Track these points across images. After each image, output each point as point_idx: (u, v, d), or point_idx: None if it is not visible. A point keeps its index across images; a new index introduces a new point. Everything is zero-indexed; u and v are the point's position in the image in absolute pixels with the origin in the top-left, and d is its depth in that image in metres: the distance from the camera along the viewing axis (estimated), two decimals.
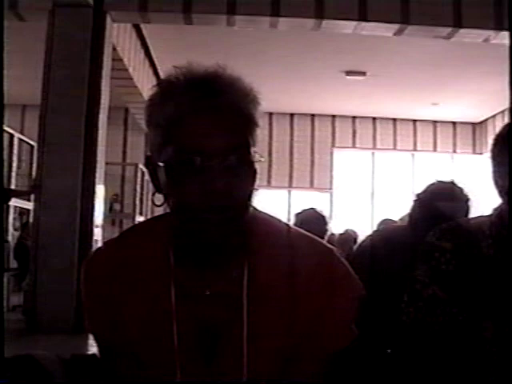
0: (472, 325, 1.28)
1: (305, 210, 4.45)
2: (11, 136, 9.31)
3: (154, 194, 1.15)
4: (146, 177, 11.80)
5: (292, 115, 13.74)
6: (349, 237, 6.32)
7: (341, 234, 6.58)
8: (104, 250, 1.28)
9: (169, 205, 1.12)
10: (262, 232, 1.18)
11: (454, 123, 14.06)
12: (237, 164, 1.06)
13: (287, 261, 1.15)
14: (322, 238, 4.13)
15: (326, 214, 4.49)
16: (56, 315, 6.25)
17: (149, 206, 12.38)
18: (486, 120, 13.57)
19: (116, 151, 12.32)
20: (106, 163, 7.37)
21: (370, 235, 3.47)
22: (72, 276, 6.14)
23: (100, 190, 6.88)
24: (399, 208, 9.08)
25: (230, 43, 8.84)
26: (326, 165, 13.85)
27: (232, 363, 1.10)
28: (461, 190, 2.82)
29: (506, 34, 6.87)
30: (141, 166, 11.40)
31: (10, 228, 9.40)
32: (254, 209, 1.18)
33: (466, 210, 2.75)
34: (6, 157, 8.82)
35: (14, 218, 9.91)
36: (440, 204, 2.68)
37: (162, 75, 10.35)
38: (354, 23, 6.99)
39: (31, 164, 9.85)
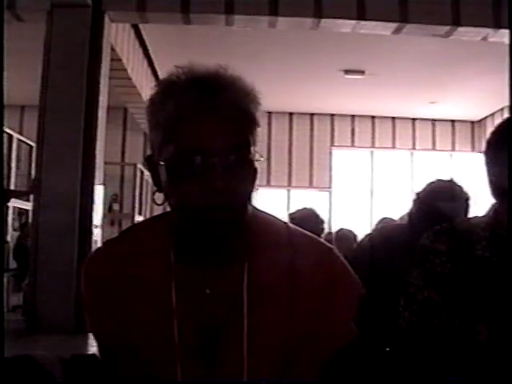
0: (467, 328, 1.27)
1: (299, 210, 4.45)
2: (10, 136, 9.30)
3: (154, 193, 1.15)
4: (145, 177, 11.81)
5: (291, 114, 13.73)
6: (343, 236, 6.30)
7: (336, 233, 6.57)
8: (103, 250, 1.28)
9: (169, 204, 1.12)
10: (262, 231, 1.19)
11: (452, 121, 14.06)
12: (237, 163, 1.06)
13: (287, 260, 1.16)
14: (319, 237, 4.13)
15: (320, 212, 4.49)
16: (56, 315, 6.25)
17: (148, 206, 12.39)
18: (485, 118, 13.57)
19: (115, 151, 12.31)
20: (105, 163, 7.37)
21: (369, 234, 3.48)
22: (71, 276, 6.14)
23: (99, 190, 6.88)
24: (398, 207, 9.09)
25: (229, 43, 8.84)
26: (325, 164, 13.84)
27: (232, 362, 1.11)
28: (460, 188, 2.82)
29: (504, 32, 6.88)
30: (140, 165, 11.40)
31: (9, 228, 9.39)
32: (254, 208, 1.18)
33: (466, 209, 2.75)
34: (5, 157, 8.81)
35: (13, 219, 9.90)
36: (440, 203, 2.68)
37: (160, 75, 10.35)
38: (353, 22, 6.99)
39: (30, 164, 9.85)
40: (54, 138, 6.52)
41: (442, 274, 1.32)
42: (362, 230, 6.74)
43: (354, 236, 6.29)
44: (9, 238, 9.22)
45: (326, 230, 6.57)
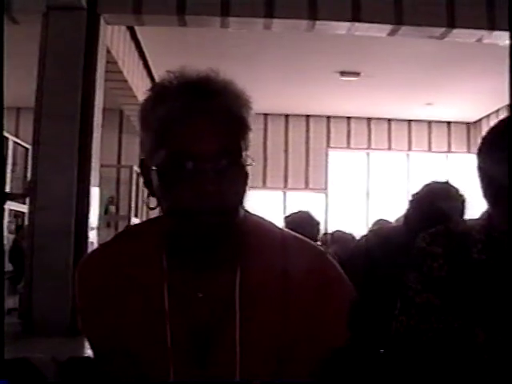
0: (465, 332, 1.27)
1: (294, 213, 4.44)
2: (6, 139, 9.29)
3: (148, 197, 1.15)
4: (141, 179, 11.78)
5: (287, 116, 13.74)
6: (340, 237, 6.30)
7: (332, 234, 6.58)
8: (97, 253, 1.28)
9: (161, 208, 1.12)
10: (255, 235, 1.19)
11: (448, 123, 14.08)
12: (229, 167, 1.07)
13: (279, 263, 1.16)
14: (314, 239, 4.12)
15: (316, 215, 4.48)
16: (52, 318, 6.24)
17: (144, 208, 12.37)
18: (481, 120, 13.60)
19: (111, 153, 12.29)
20: (101, 165, 7.36)
21: (365, 235, 3.48)
22: (67, 278, 6.13)
23: (95, 192, 6.87)
24: (394, 208, 9.10)
25: (225, 45, 8.84)
26: (321, 165, 13.85)
27: (225, 365, 1.11)
28: (456, 190, 2.83)
29: (498, 33, 6.91)
30: (136, 168, 11.38)
31: (5, 231, 9.37)
32: (246, 212, 1.18)
33: (462, 211, 2.76)
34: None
35: (9, 221, 9.88)
36: (436, 204, 2.69)
37: (156, 77, 10.34)
38: (348, 24, 7.00)
39: (26, 167, 9.83)
40: (49, 140, 6.51)
41: (440, 277, 1.31)
42: (358, 231, 6.74)
43: (353, 237, 6.28)
44: (5, 241, 9.20)
45: (322, 231, 6.57)
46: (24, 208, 8.24)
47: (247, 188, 1.11)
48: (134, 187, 11.76)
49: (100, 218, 7.76)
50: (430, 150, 14.18)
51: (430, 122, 13.98)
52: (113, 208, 12.07)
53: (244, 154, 1.09)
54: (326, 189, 13.87)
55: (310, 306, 1.14)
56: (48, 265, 6.30)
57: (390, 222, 5.67)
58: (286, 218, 4.45)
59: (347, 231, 6.70)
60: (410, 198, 2.91)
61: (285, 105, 12.84)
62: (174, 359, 1.12)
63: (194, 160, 1.05)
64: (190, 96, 1.07)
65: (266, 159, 13.12)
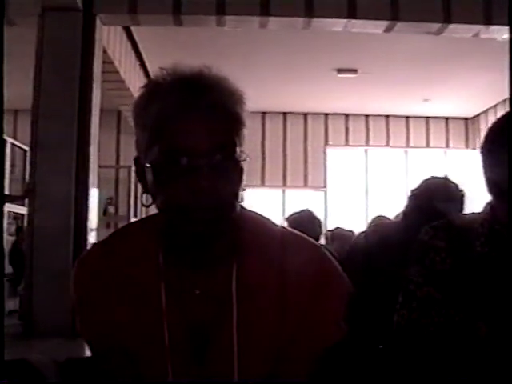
0: (467, 325, 1.27)
1: (296, 213, 4.43)
2: (4, 141, 9.27)
3: (142, 195, 1.15)
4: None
5: (285, 114, 13.72)
6: (339, 234, 6.30)
7: (332, 232, 6.58)
8: (93, 252, 1.29)
9: (156, 205, 1.12)
10: (251, 231, 1.19)
11: (446, 119, 14.08)
12: (223, 163, 1.06)
13: (276, 259, 1.16)
14: (317, 238, 4.12)
15: (318, 214, 4.48)
16: (52, 319, 6.23)
17: (143, 208, 12.34)
18: (479, 115, 13.60)
19: (109, 154, 12.29)
20: (100, 166, 7.35)
21: (364, 231, 3.48)
22: (67, 280, 6.09)
23: (94, 193, 6.86)
24: (393, 205, 9.09)
25: (222, 44, 8.83)
26: (319, 163, 13.84)
27: (222, 362, 1.11)
28: (455, 185, 2.83)
29: (495, 28, 6.90)
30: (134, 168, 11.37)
31: (5, 233, 9.36)
32: (243, 208, 1.18)
33: (461, 206, 2.76)
34: None
35: (9, 223, 9.87)
36: (435, 200, 2.69)
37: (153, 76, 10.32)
38: (344, 21, 6.99)
39: (24, 169, 9.82)
40: (47, 141, 6.50)
41: (443, 270, 1.31)
42: (357, 228, 6.73)
43: (353, 234, 6.27)
44: (4, 243, 9.19)
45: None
46: (23, 210, 8.23)
47: (242, 183, 1.11)
48: (132, 187, 11.76)
49: (99, 219, 7.76)
50: (428, 146, 14.17)
51: (427, 118, 13.97)
52: (112, 209, 12.06)
53: (238, 149, 1.09)
54: (324, 186, 13.86)
55: (307, 301, 1.14)
56: (47, 266, 6.29)
57: (389, 219, 5.67)
58: (289, 217, 4.44)
59: (347, 228, 6.71)
60: (409, 194, 2.91)
61: (282, 103, 12.83)
62: (172, 357, 1.12)
63: (189, 156, 1.04)
64: (183, 92, 1.07)
65: (265, 158, 13.11)
